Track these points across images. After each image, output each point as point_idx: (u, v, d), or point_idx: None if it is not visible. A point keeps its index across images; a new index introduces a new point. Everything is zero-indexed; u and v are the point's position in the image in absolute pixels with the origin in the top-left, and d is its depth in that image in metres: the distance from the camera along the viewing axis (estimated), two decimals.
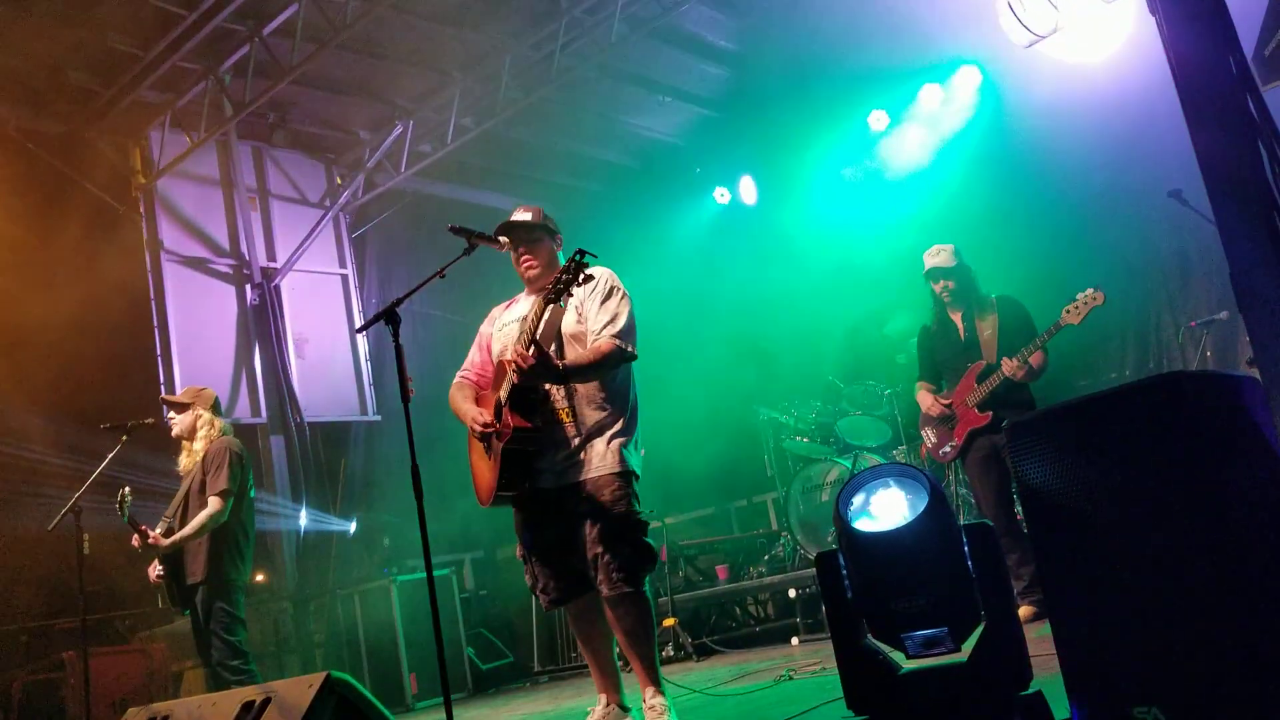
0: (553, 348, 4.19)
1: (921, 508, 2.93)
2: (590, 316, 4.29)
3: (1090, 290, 5.92)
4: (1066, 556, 2.55)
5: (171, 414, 6.40)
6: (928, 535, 2.90)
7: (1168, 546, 2.32)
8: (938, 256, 6.42)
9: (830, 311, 9.67)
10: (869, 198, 9.84)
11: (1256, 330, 2.52)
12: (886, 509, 3.06)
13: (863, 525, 3.06)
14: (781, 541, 8.84)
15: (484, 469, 4.31)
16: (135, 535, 5.81)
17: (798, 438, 8.71)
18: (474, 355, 4.70)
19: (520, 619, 9.91)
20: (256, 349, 10.10)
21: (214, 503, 5.89)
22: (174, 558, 5.96)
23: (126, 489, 5.76)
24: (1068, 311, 5.96)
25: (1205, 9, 2.39)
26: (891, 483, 3.09)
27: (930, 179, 9.38)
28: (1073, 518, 2.52)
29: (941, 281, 6.41)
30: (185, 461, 6.27)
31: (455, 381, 4.65)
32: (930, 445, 6.67)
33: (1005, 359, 6.12)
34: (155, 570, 6.04)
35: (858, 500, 3.13)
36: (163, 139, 9.75)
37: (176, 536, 5.86)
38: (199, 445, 6.14)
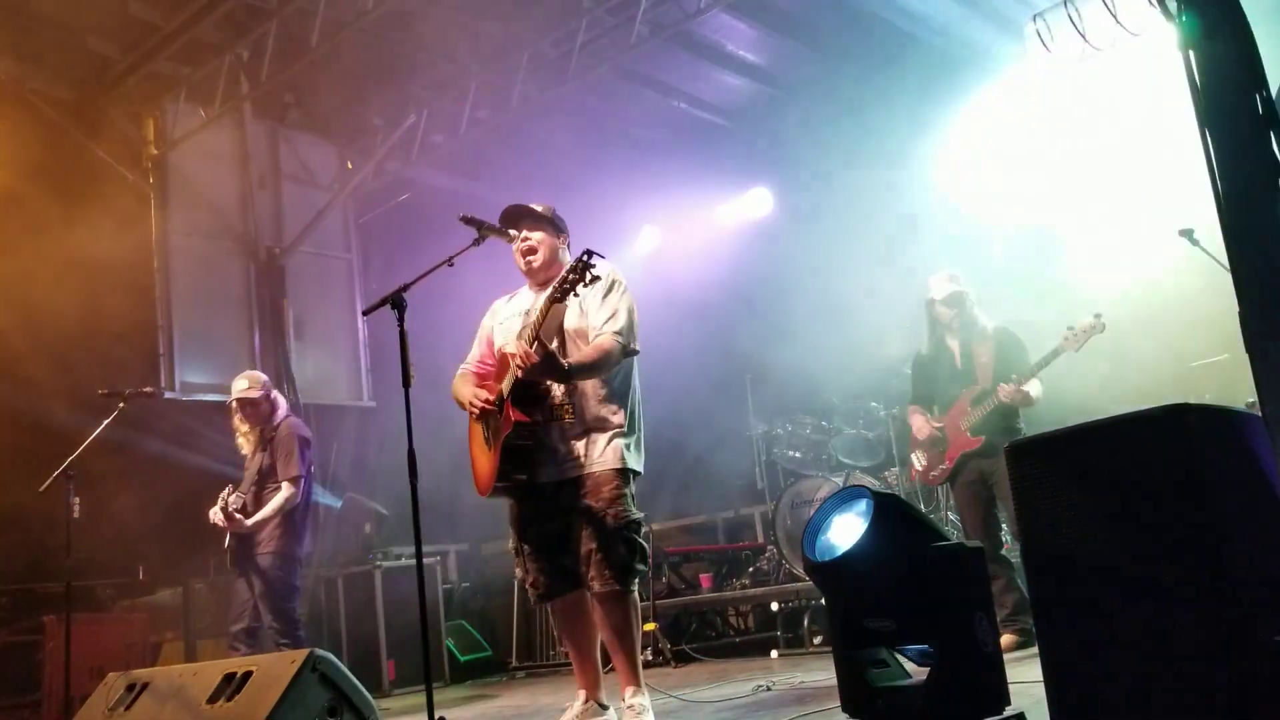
0: (555, 344, 4.19)
1: (863, 530, 2.94)
2: (591, 312, 4.30)
3: (1091, 318, 5.91)
4: (1059, 580, 2.56)
5: (246, 411, 6.58)
6: (876, 555, 2.91)
7: (1161, 576, 2.33)
8: (951, 283, 6.42)
9: (832, 329, 9.66)
10: (877, 219, 9.83)
11: (1262, 373, 2.52)
12: (843, 534, 3.08)
13: (820, 553, 3.08)
14: (767, 555, 8.84)
15: (483, 460, 4.33)
16: (223, 517, 6.25)
17: (790, 452, 8.71)
18: (475, 349, 4.72)
19: (500, 614, 9.89)
20: (257, 327, 10.10)
21: (287, 488, 6.39)
22: (242, 536, 6.34)
23: (230, 488, 6.37)
24: (1066, 338, 5.96)
25: (1235, 46, 2.41)
26: (846, 507, 3.11)
27: (937, 205, 9.37)
28: (1068, 541, 2.52)
29: (955, 308, 6.40)
30: (249, 445, 6.61)
31: (458, 373, 4.67)
32: (920, 468, 6.68)
33: (1002, 384, 6.13)
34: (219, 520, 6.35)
35: (821, 535, 3.15)
36: (177, 111, 9.76)
37: (257, 518, 6.30)
38: (270, 428, 6.53)
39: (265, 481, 6.43)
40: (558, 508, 4.25)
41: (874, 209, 9.79)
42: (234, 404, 6.58)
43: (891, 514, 2.97)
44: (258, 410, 6.53)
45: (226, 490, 6.32)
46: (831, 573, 3.02)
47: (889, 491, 3.30)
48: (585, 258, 3.98)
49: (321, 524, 10.12)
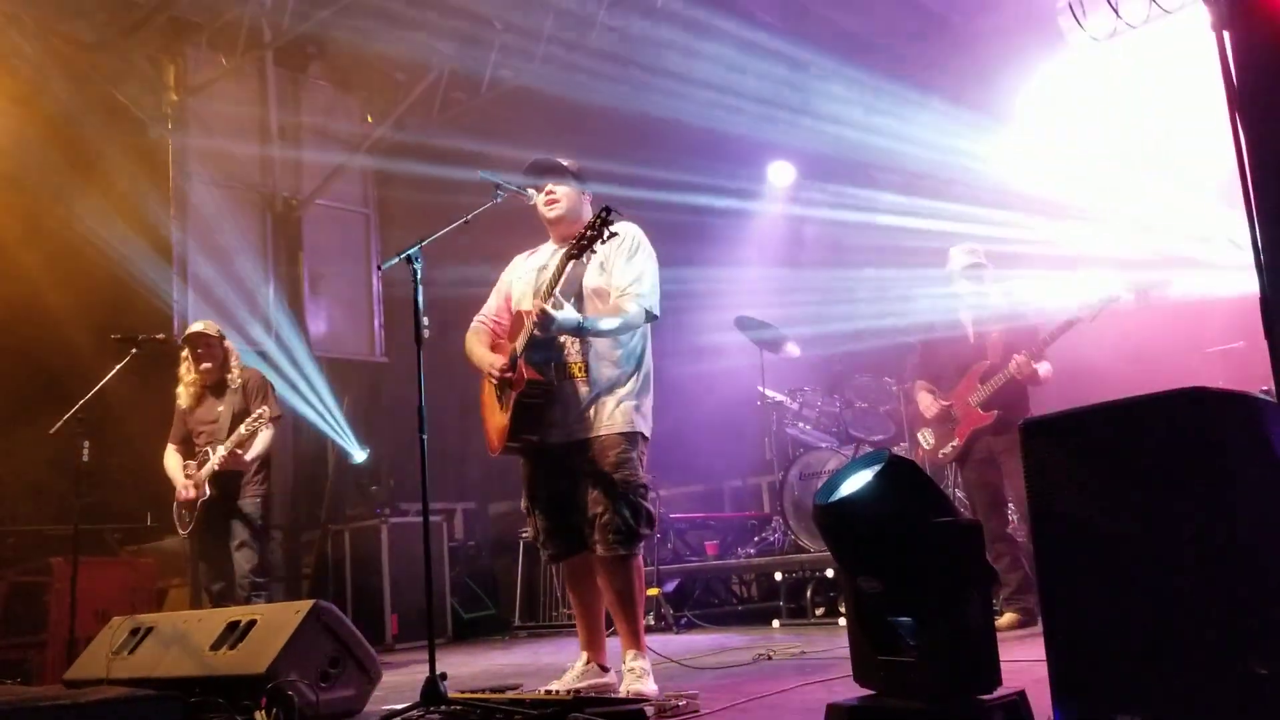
0: (573, 301, 4.19)
1: (869, 478, 2.93)
2: (615, 273, 4.29)
3: (1107, 289, 5.93)
4: (1067, 558, 2.54)
5: (200, 350, 6.51)
6: (872, 507, 2.89)
7: (1171, 558, 2.32)
8: (975, 254, 6.41)
9: (845, 301, 9.63)
10: (896, 191, 9.77)
11: None
12: (852, 485, 3.07)
13: (828, 498, 3.08)
14: (773, 525, 8.84)
15: (495, 418, 4.33)
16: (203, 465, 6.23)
17: (800, 424, 8.70)
18: (492, 302, 4.72)
19: (504, 573, 9.93)
20: (271, 278, 10.12)
21: (272, 428, 6.40)
22: (229, 480, 6.29)
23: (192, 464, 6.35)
24: (1081, 309, 5.95)
25: (1272, 30, 2.37)
26: (866, 466, 3.10)
27: (957, 176, 9.28)
28: (1078, 520, 2.51)
29: (975, 281, 6.39)
30: (189, 397, 6.47)
31: (472, 327, 4.65)
32: (928, 448, 6.63)
33: (1015, 355, 6.09)
34: (192, 491, 6.25)
35: (837, 486, 3.15)
36: (198, 58, 9.74)
37: (254, 454, 6.30)
38: (233, 376, 6.49)
39: (237, 426, 6.31)
40: (567, 469, 4.25)
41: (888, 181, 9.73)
42: (190, 343, 6.50)
43: (902, 476, 2.95)
44: (212, 351, 6.50)
45: (194, 464, 6.32)
46: (827, 514, 3.02)
47: (911, 460, 3.27)
48: (604, 214, 3.97)
49: (333, 471, 10.19)
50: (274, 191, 10.34)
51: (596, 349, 4.27)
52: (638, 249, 4.32)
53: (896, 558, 2.89)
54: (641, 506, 4.19)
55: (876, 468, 2.99)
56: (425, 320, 4.11)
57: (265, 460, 6.43)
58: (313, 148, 10.81)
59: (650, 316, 4.29)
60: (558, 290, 4.05)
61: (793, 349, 9.08)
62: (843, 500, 2.96)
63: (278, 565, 9.45)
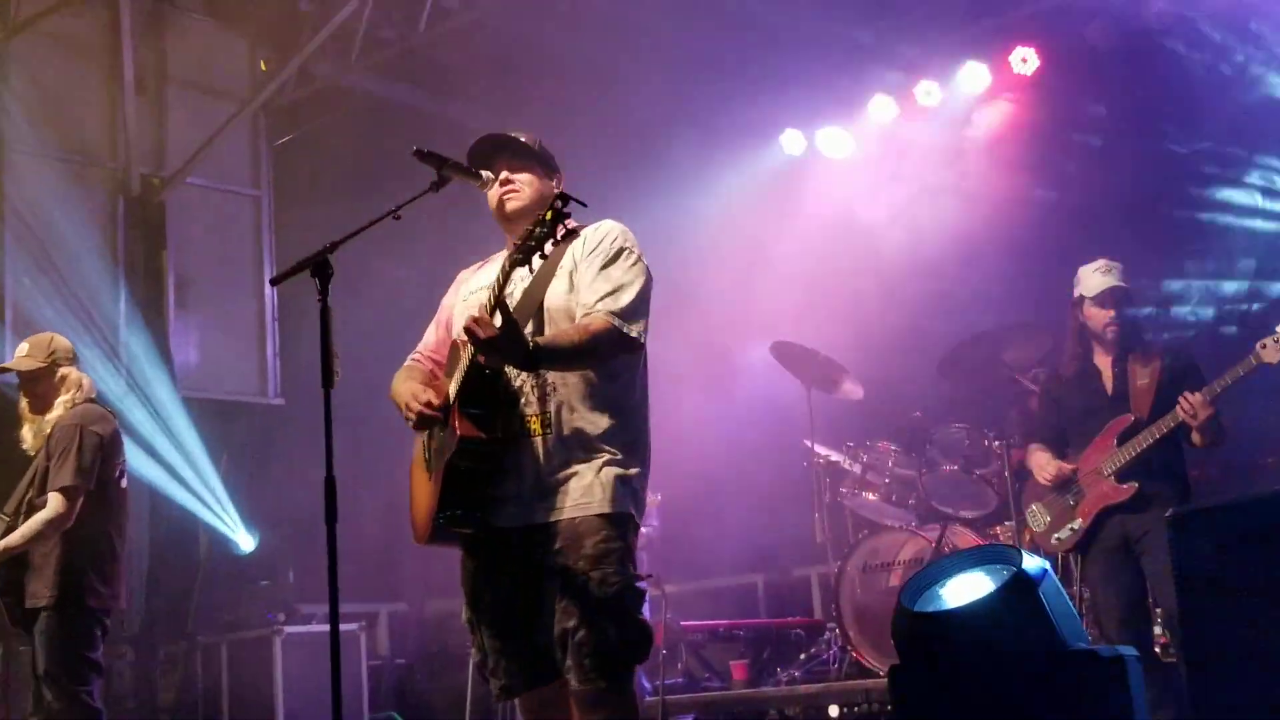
0: (530, 327, 4.15)
1: (994, 585, 2.95)
2: (583, 286, 4.24)
3: None
4: (1229, 684, 2.56)
5: (18, 386, 6.31)
6: (998, 621, 2.91)
7: None
8: (1110, 274, 6.42)
9: (925, 325, 9.65)
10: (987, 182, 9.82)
11: None
12: (960, 591, 3.08)
13: (921, 602, 3.08)
14: (826, 637, 8.84)
15: (423, 491, 4.29)
16: None
17: (864, 493, 8.71)
18: (430, 334, 4.69)
19: (446, 699, 9.90)
20: (123, 286, 10.13)
21: (55, 501, 5.90)
22: (12, 571, 5.95)
23: None
24: (1264, 347, 6.00)
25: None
26: (979, 565, 3.12)
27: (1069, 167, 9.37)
28: (1241, 635, 2.53)
29: (1113, 309, 6.41)
30: (32, 438, 6.23)
31: (404, 365, 4.64)
32: (1040, 529, 6.65)
33: (1185, 395, 6.07)
34: None
35: (933, 586, 3.16)
36: None
37: (9, 543, 5.87)
38: (48, 419, 6.13)
39: (40, 495, 5.99)
40: (525, 565, 4.16)
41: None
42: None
43: (1035, 589, 2.96)
44: (31, 386, 6.21)
45: None
46: (926, 630, 3.02)
47: (1045, 562, 3.27)
48: (559, 205, 3.83)
49: (205, 560, 10.15)
50: (128, 166, 10.36)
51: (564, 395, 4.18)
52: (619, 254, 4.26)
53: (1018, 694, 2.90)
54: (633, 619, 4.13)
55: (999, 572, 2.99)
56: (338, 355, 4.11)
57: (62, 553, 5.92)
58: (183, 104, 10.87)
59: (629, 343, 4.20)
60: (505, 300, 3.95)
61: (853, 388, 9.09)
62: (950, 613, 2.97)
63: (129, 691, 9.42)
